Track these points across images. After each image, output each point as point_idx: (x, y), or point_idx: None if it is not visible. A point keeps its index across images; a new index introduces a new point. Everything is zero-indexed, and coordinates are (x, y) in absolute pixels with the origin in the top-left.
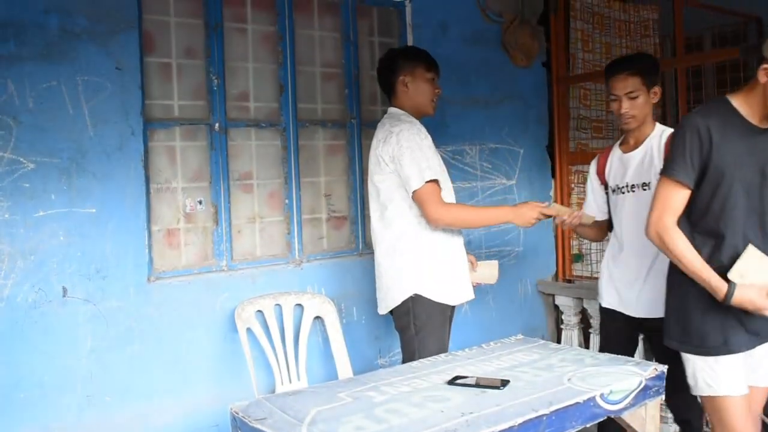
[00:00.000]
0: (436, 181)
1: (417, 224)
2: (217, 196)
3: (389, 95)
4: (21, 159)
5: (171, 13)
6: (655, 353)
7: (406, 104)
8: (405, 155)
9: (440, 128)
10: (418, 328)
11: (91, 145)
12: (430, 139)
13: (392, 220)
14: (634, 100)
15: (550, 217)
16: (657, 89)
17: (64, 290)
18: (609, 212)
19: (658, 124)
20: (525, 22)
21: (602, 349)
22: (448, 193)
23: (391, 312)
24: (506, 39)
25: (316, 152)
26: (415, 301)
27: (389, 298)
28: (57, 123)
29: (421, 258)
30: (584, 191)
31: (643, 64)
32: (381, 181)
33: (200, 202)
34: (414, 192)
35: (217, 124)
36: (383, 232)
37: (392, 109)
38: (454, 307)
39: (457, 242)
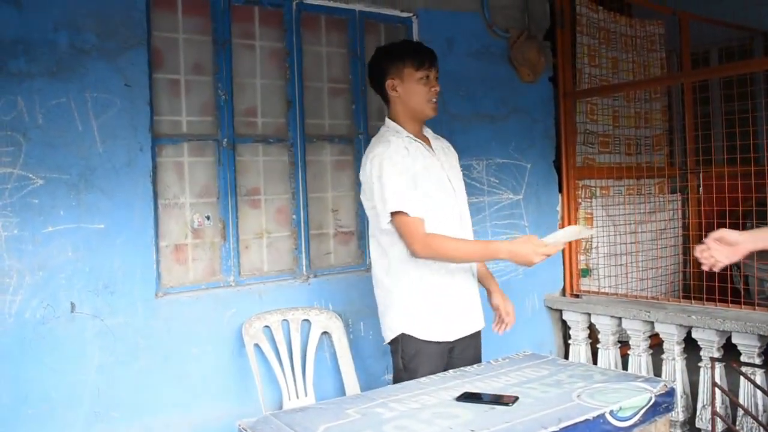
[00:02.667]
0: (403, 213)
1: (403, 259)
2: (224, 212)
3: (385, 103)
4: (30, 175)
5: (179, 30)
6: None
7: (401, 111)
8: (375, 188)
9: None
10: (405, 363)
11: (99, 161)
12: (408, 159)
13: (379, 252)
14: None
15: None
16: None
17: (72, 306)
18: None
19: None
20: (531, 38)
21: None
22: (440, 212)
23: None
24: (513, 54)
25: (323, 167)
26: (404, 337)
27: (383, 331)
28: (66, 139)
29: (408, 295)
30: (591, 206)
31: None
32: (367, 209)
33: (208, 218)
34: (388, 225)
35: (224, 140)
36: (374, 262)
37: (386, 122)
38: (458, 341)
39: (453, 276)
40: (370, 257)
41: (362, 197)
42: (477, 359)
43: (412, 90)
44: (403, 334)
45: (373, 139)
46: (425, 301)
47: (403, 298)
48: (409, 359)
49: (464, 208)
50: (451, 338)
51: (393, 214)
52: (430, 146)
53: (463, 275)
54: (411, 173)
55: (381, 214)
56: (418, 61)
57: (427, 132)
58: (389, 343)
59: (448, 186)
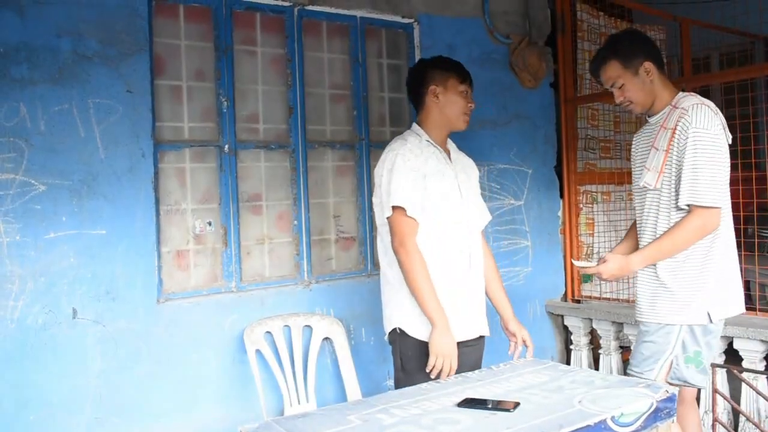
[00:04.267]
0: (401, 208)
1: None
2: (226, 218)
3: (417, 108)
4: (32, 181)
5: (181, 37)
6: None
7: (435, 118)
8: (383, 179)
9: None
10: (403, 363)
11: (101, 167)
12: (420, 159)
13: (385, 246)
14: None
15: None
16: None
17: (74, 311)
18: None
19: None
20: (532, 43)
21: None
22: (445, 215)
23: None
24: (514, 60)
25: (324, 173)
26: (401, 335)
27: (384, 322)
28: (68, 145)
29: (407, 292)
30: (593, 211)
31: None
32: (376, 204)
33: (209, 224)
34: (386, 218)
35: (226, 146)
36: (380, 258)
37: (412, 126)
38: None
39: (456, 277)
40: (377, 256)
41: (374, 197)
42: (476, 367)
43: (453, 100)
44: (397, 330)
45: (394, 139)
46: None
47: (404, 294)
48: (406, 359)
49: (473, 218)
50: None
51: (393, 208)
52: (449, 156)
53: (469, 280)
54: (421, 173)
55: (384, 205)
56: (462, 75)
57: (451, 145)
58: (388, 338)
59: (456, 193)
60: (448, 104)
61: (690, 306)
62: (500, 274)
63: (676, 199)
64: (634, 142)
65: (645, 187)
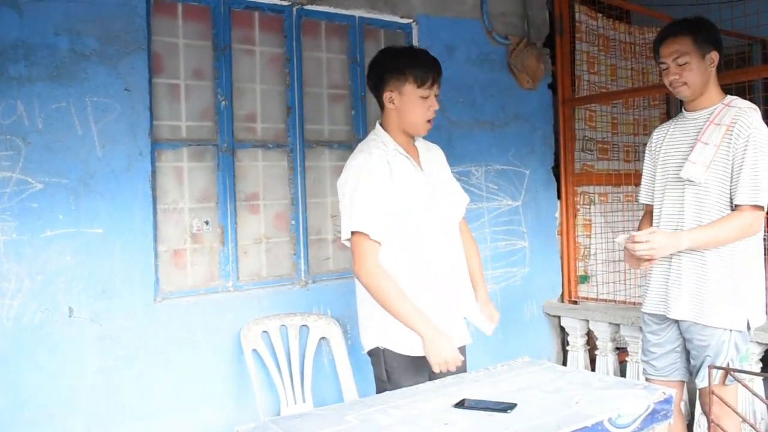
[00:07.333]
0: (363, 233)
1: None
2: (223, 217)
3: (380, 107)
4: (29, 179)
5: (180, 35)
6: None
7: (395, 122)
8: (346, 200)
9: (447, 149)
10: (389, 374)
11: (99, 165)
12: (386, 175)
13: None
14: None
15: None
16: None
17: (71, 310)
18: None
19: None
20: (531, 45)
21: None
22: (422, 228)
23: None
24: (512, 61)
25: (322, 173)
26: (385, 353)
27: (362, 338)
28: (65, 143)
29: (382, 310)
30: (590, 212)
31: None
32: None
33: (207, 223)
34: (347, 241)
35: (224, 145)
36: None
37: (376, 128)
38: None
39: (441, 287)
40: None
41: (341, 208)
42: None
43: (410, 107)
44: (380, 348)
45: (359, 146)
46: None
47: (379, 312)
48: (392, 370)
49: (451, 224)
50: None
51: (353, 232)
52: (418, 159)
53: (453, 287)
54: (389, 189)
55: (344, 227)
56: (420, 79)
57: (419, 142)
58: (368, 351)
59: (431, 202)
60: (404, 112)
61: (745, 309)
62: (480, 258)
63: (731, 197)
64: (656, 134)
65: (690, 180)
